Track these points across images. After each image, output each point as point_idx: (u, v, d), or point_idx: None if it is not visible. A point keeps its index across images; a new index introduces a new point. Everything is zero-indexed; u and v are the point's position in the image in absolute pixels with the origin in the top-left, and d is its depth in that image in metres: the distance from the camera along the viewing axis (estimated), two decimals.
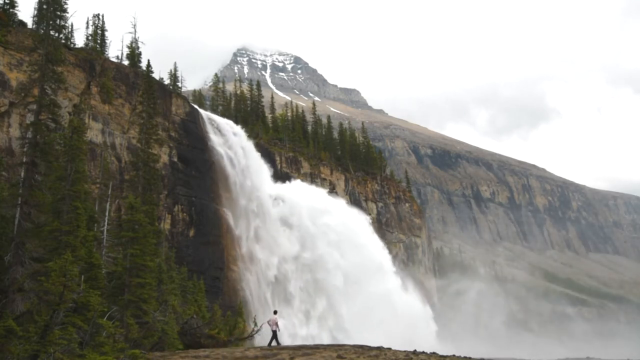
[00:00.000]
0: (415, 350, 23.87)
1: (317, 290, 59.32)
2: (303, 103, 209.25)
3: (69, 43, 47.25)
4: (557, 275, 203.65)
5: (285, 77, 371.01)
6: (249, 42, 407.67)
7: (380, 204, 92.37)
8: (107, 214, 31.47)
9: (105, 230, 29.55)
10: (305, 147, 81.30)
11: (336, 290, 59.50)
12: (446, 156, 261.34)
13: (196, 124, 57.80)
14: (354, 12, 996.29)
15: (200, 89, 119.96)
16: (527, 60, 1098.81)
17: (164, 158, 51.61)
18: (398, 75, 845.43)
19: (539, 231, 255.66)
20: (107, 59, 51.47)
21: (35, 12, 40.67)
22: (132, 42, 56.62)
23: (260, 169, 62.76)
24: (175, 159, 53.34)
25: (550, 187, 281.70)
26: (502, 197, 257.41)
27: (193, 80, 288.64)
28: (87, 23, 55.17)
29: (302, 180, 73.15)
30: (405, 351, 23.29)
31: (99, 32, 54.42)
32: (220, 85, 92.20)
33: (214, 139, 58.64)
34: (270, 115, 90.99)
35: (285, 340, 44.39)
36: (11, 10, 43.88)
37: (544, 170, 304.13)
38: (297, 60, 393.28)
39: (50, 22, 23.80)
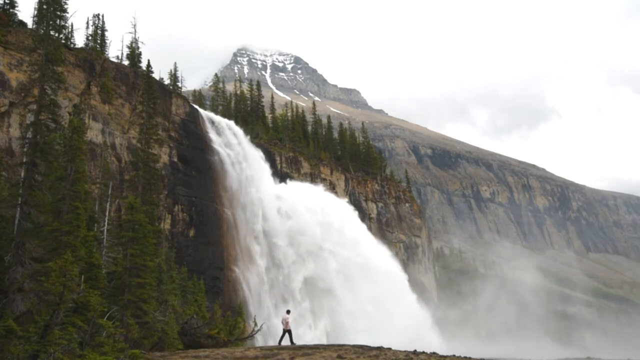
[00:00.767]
0: (415, 350, 23.87)
1: (317, 290, 59.28)
2: (303, 103, 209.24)
3: (69, 43, 47.22)
4: (557, 275, 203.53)
5: (285, 77, 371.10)
6: (249, 42, 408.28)
7: (380, 204, 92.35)
8: (107, 214, 31.46)
9: (105, 230, 29.55)
10: (305, 147, 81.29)
11: (336, 290, 59.47)
12: (446, 156, 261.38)
13: (196, 124, 57.80)
14: (353, 12, 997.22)
15: (200, 89, 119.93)
16: (526, 60, 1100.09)
17: (164, 158, 51.59)
18: (398, 75, 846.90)
19: (539, 231, 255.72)
20: (107, 59, 51.44)
21: (35, 12, 40.63)
22: (132, 42, 56.56)
23: (260, 169, 62.75)
24: (175, 159, 53.33)
25: (550, 187, 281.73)
26: (502, 197, 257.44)
27: (193, 80, 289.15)
28: (87, 23, 55.20)
29: (302, 180, 73.16)
30: (405, 351, 23.29)
31: (99, 32, 54.38)
32: (220, 85, 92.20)
33: (214, 139, 58.64)
34: (270, 115, 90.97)
35: (285, 339, 44.29)
36: (11, 10, 43.90)
37: (544, 170, 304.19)
38: (297, 60, 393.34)
39: (50, 22, 23.79)
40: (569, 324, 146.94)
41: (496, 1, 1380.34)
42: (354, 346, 24.01)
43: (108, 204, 33.09)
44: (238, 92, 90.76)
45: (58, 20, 24.01)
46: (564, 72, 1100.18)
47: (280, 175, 69.96)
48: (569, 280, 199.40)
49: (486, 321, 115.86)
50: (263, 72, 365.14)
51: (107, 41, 54.60)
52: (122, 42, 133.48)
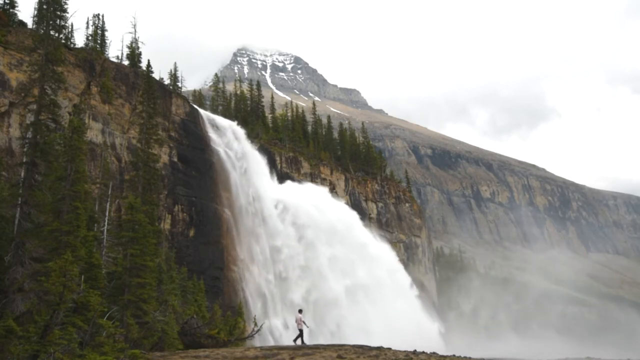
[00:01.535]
0: (415, 350, 23.89)
1: (318, 290, 59.27)
2: (303, 103, 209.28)
3: (69, 43, 47.21)
4: (557, 275, 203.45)
5: (285, 77, 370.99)
6: (249, 42, 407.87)
7: (380, 204, 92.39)
8: (107, 214, 31.47)
9: (105, 230, 29.55)
10: (305, 147, 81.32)
11: (336, 289, 59.47)
12: (446, 156, 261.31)
13: (196, 124, 57.79)
14: (353, 12, 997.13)
15: (200, 89, 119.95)
16: (526, 60, 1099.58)
17: (164, 158, 51.59)
18: (398, 75, 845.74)
19: (539, 231, 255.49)
20: (107, 59, 51.43)
21: (35, 12, 40.64)
22: (132, 42, 56.55)
23: (260, 169, 62.78)
24: (175, 159, 53.34)
25: (550, 187, 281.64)
26: (502, 197, 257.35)
27: (193, 80, 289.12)
28: (87, 23, 55.19)
29: (302, 180, 73.19)
30: (405, 351, 23.31)
31: (99, 32, 54.38)
32: (220, 85, 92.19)
33: (214, 139, 58.65)
34: (270, 115, 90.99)
35: (285, 339, 44.42)
36: (11, 10, 43.89)
37: (544, 170, 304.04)
38: (297, 60, 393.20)
39: (50, 22, 23.80)
40: (568, 324, 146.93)
41: (496, 1, 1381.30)
42: (354, 346, 24.02)
43: (108, 204, 33.09)
44: (238, 92, 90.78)
45: (58, 20, 24.01)
46: (564, 72, 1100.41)
47: (280, 175, 70.01)
48: (569, 280, 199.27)
49: (486, 321, 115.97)
50: (263, 72, 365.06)
51: (107, 41, 54.65)
52: (122, 42, 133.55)
